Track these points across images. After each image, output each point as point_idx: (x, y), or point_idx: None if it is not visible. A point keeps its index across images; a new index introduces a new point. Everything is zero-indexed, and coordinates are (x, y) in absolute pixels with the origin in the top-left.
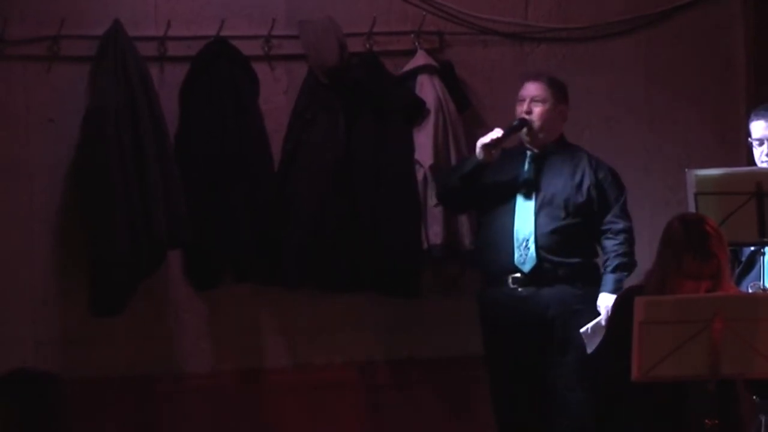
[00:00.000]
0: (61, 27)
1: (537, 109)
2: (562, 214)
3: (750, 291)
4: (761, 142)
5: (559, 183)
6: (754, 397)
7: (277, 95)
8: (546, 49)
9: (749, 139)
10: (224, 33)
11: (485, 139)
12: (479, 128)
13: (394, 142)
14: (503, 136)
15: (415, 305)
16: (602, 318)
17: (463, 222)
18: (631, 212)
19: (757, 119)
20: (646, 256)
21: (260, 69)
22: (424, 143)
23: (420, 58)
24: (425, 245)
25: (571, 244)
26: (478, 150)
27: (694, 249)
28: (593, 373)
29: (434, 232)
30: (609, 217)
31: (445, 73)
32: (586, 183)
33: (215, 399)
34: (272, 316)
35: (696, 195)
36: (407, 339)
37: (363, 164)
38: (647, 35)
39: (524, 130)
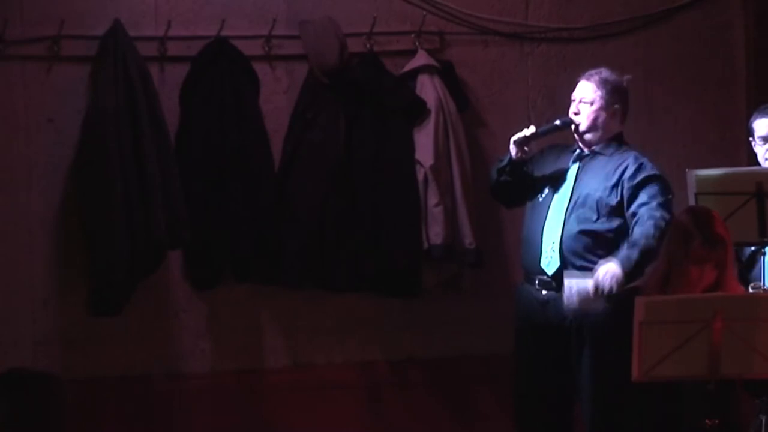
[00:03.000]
0: (61, 27)
1: (584, 110)
2: (594, 216)
3: (750, 291)
4: (766, 140)
5: (594, 184)
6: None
7: (277, 95)
8: (546, 49)
9: (750, 138)
10: (224, 33)
11: (515, 136)
12: (479, 128)
13: (395, 142)
14: (531, 136)
15: (415, 305)
16: (590, 285)
17: (464, 222)
18: None
19: (761, 117)
20: None
21: (260, 69)
22: (424, 143)
23: (420, 58)
24: (425, 245)
25: (601, 249)
26: (510, 147)
27: (702, 233)
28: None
29: (434, 232)
30: (644, 208)
31: (446, 73)
32: (622, 185)
33: (215, 399)
34: (272, 316)
35: (696, 195)
36: (407, 339)
37: (363, 164)
38: (647, 35)
39: (572, 128)
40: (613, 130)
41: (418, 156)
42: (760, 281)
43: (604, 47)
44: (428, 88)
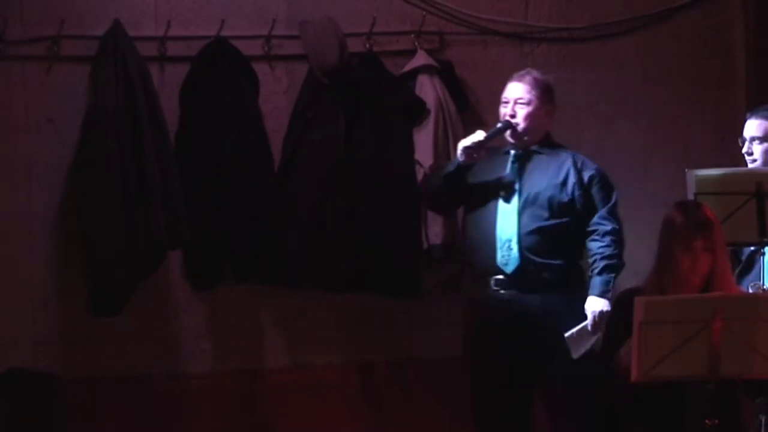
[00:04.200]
0: (61, 27)
1: (521, 112)
2: (546, 214)
3: (750, 291)
4: (752, 140)
5: (542, 182)
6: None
7: (277, 95)
8: (546, 49)
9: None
10: (224, 33)
11: (466, 142)
12: (479, 128)
13: (395, 142)
14: (485, 139)
15: (415, 305)
16: (588, 323)
17: None
18: (629, 212)
19: (749, 118)
20: (645, 257)
21: (260, 69)
22: (424, 143)
23: (420, 58)
24: (425, 245)
25: (555, 245)
26: (459, 152)
27: (686, 214)
28: (595, 371)
29: (434, 232)
30: (596, 219)
31: (446, 73)
32: (570, 181)
33: (215, 399)
34: (272, 316)
35: (696, 195)
36: (407, 339)
37: (363, 164)
38: (647, 35)
39: (508, 132)
40: (545, 130)
41: (417, 156)
42: (760, 281)
43: (604, 47)
44: (428, 88)
